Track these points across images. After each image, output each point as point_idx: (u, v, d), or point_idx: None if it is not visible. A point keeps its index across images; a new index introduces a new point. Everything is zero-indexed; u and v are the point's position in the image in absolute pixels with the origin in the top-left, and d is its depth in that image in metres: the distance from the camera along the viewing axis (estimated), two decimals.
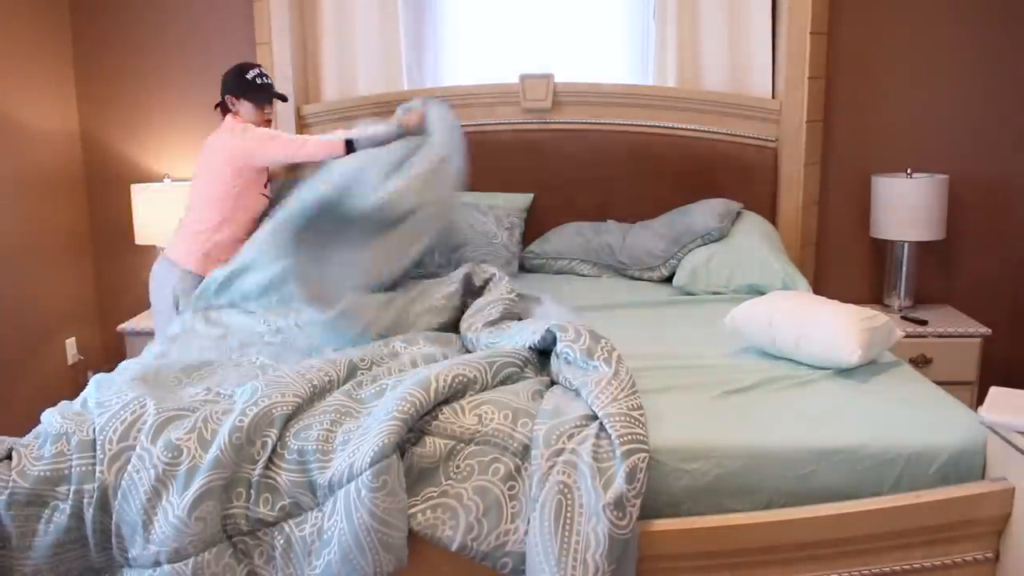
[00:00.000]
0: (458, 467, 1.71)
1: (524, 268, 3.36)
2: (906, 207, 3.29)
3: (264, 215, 3.02)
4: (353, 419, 1.79)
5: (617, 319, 2.60)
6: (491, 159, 3.53)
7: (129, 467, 1.75)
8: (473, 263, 2.77)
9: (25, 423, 1.97)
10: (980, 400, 1.90)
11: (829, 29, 3.40)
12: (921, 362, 3.17)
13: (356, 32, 3.62)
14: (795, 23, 3.32)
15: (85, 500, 1.74)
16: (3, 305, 3.30)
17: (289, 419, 1.79)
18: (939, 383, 2.12)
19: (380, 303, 2.43)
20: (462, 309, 2.49)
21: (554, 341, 2.01)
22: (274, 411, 1.78)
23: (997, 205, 3.50)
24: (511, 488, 1.68)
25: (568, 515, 1.61)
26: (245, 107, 3.01)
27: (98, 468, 1.75)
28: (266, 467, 1.73)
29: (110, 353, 3.77)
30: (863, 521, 1.69)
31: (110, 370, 2.12)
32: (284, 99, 3.12)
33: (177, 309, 2.95)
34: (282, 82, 3.54)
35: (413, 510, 1.67)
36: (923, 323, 3.26)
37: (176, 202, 3.52)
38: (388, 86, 3.63)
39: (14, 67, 3.35)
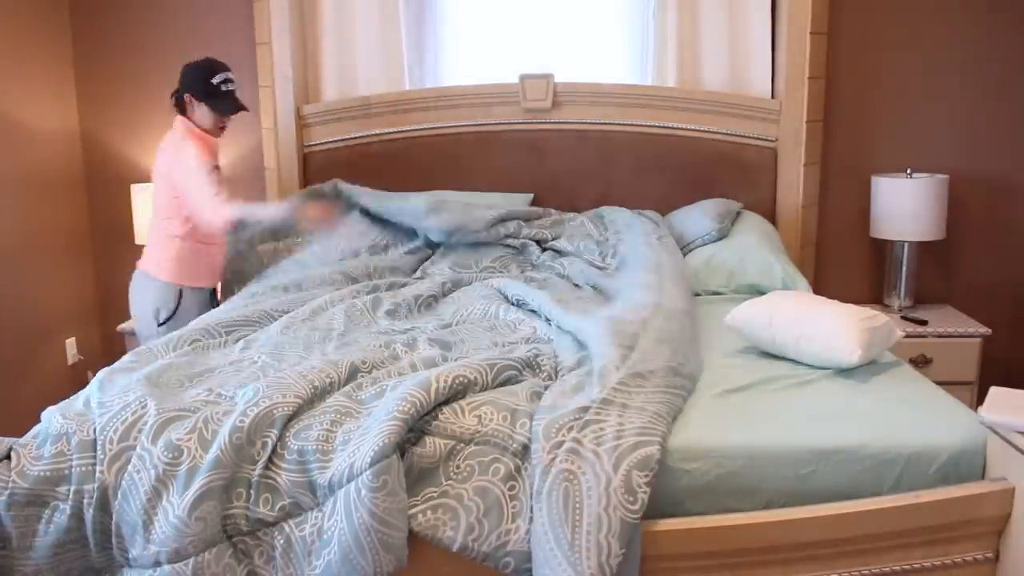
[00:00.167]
0: (458, 467, 1.71)
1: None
2: (906, 207, 3.29)
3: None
4: (353, 419, 1.79)
5: None
6: (491, 159, 3.54)
7: (129, 467, 1.75)
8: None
9: (25, 423, 1.97)
10: (980, 400, 1.90)
11: (829, 29, 3.40)
12: (921, 362, 3.17)
13: (356, 32, 3.62)
14: (795, 23, 3.32)
15: (85, 500, 1.74)
16: (3, 305, 3.30)
17: (289, 419, 1.79)
18: (939, 383, 2.12)
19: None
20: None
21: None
22: (275, 411, 1.78)
23: (997, 205, 3.50)
24: (511, 488, 1.68)
25: (577, 500, 1.61)
26: (202, 111, 2.85)
27: (98, 468, 1.76)
28: (266, 467, 1.73)
29: (110, 353, 3.77)
30: (863, 521, 1.69)
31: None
32: (246, 110, 2.94)
33: (158, 322, 2.90)
34: (282, 82, 3.54)
35: (413, 510, 1.67)
36: (923, 323, 3.26)
37: None
38: (388, 86, 3.63)
39: (14, 67, 3.35)
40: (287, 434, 1.76)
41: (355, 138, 3.60)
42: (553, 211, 3.32)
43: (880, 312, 2.67)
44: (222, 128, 2.92)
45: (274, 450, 1.74)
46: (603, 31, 3.62)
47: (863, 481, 1.74)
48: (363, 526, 1.61)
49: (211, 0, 3.62)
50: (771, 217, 3.44)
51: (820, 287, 3.43)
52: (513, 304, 2.58)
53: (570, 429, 1.71)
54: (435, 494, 1.69)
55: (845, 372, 2.11)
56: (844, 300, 2.35)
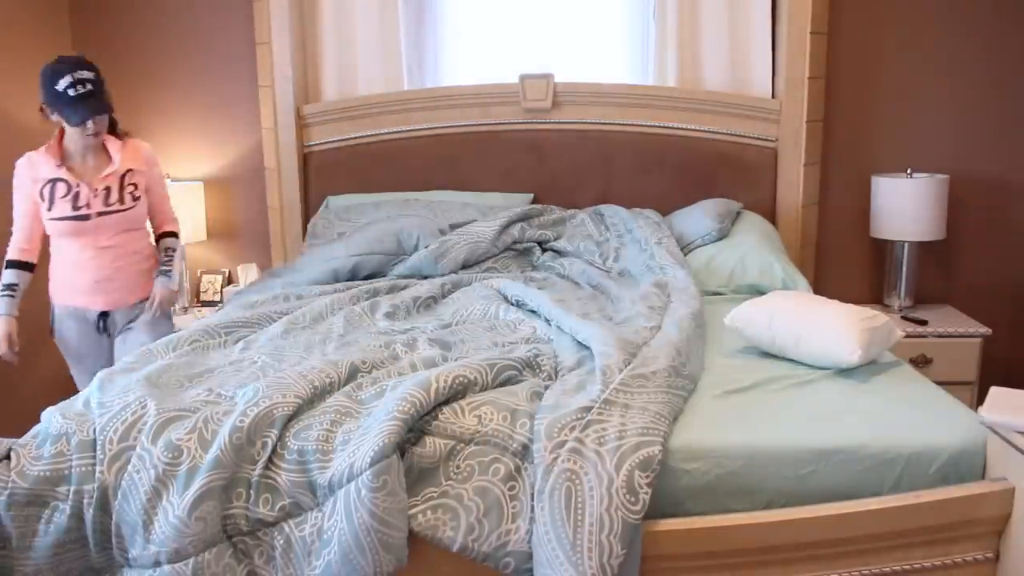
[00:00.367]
0: (458, 467, 1.71)
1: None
2: (906, 207, 3.29)
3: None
4: (353, 419, 1.79)
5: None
6: (491, 159, 3.54)
7: (129, 467, 1.75)
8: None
9: (25, 423, 1.97)
10: (980, 400, 1.90)
11: (829, 29, 3.40)
12: (921, 362, 3.17)
13: (356, 32, 3.62)
14: (795, 23, 3.32)
15: (85, 500, 1.74)
16: None
17: (289, 419, 1.79)
18: (939, 383, 2.12)
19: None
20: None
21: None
22: (275, 411, 1.78)
23: (997, 205, 3.50)
24: (511, 488, 1.68)
25: (579, 500, 1.61)
26: (59, 120, 2.59)
27: (98, 468, 1.76)
28: (266, 467, 1.73)
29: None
30: (863, 521, 1.69)
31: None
32: (108, 111, 2.61)
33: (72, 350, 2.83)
34: (282, 82, 3.54)
35: (414, 510, 1.67)
36: (923, 323, 3.26)
37: (176, 202, 3.53)
38: (388, 86, 3.63)
39: (14, 67, 3.35)
40: (287, 434, 1.76)
41: (355, 138, 3.60)
42: (555, 208, 3.31)
43: (880, 312, 2.67)
44: (96, 135, 2.64)
45: (274, 450, 1.74)
46: (603, 31, 3.62)
47: (863, 481, 1.74)
48: (363, 526, 1.61)
49: (211, 0, 3.62)
50: (771, 217, 3.44)
51: (820, 287, 3.43)
52: (513, 304, 2.58)
53: (572, 429, 1.71)
54: (435, 494, 1.69)
55: (845, 372, 2.11)
56: (844, 300, 2.35)
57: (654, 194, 3.45)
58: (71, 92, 2.50)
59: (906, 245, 3.37)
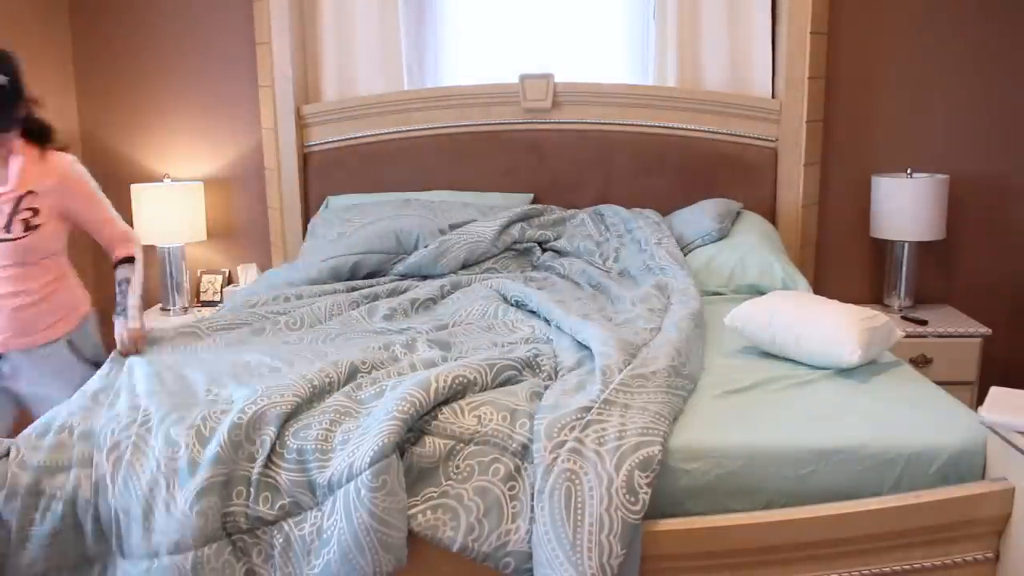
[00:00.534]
0: (458, 467, 1.71)
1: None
2: (906, 207, 3.29)
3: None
4: (353, 419, 1.79)
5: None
6: (491, 159, 3.54)
7: (129, 455, 1.76)
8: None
9: (25, 423, 1.97)
10: (980, 400, 1.90)
11: (829, 29, 3.40)
12: (921, 362, 3.17)
13: (356, 32, 3.62)
14: (795, 23, 3.32)
15: (83, 491, 1.75)
16: None
17: (288, 418, 1.79)
18: (939, 383, 2.12)
19: None
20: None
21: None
22: (273, 409, 1.78)
23: (997, 205, 3.50)
24: (511, 488, 1.68)
25: (579, 500, 1.61)
26: None
27: (97, 459, 1.77)
28: (266, 466, 1.73)
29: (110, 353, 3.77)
30: (863, 521, 1.69)
31: None
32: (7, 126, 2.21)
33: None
34: (282, 82, 3.54)
35: (413, 511, 1.67)
36: (923, 323, 3.26)
37: (176, 202, 3.54)
38: (388, 86, 3.63)
39: None
40: (286, 433, 1.76)
41: (355, 138, 3.60)
42: (555, 208, 3.31)
43: (880, 312, 2.67)
44: (8, 150, 2.26)
45: (273, 449, 1.74)
46: (603, 31, 3.62)
47: (863, 481, 1.74)
48: (362, 526, 1.61)
49: (211, 0, 3.62)
50: (771, 217, 3.44)
51: (820, 287, 3.43)
52: (512, 305, 2.58)
53: (572, 429, 1.71)
54: (435, 494, 1.69)
55: (845, 372, 2.11)
56: (844, 300, 2.35)
57: (654, 194, 3.44)
58: None
59: (906, 245, 3.37)
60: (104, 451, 1.77)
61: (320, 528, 1.68)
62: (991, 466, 1.76)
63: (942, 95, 3.46)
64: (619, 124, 3.48)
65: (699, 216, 3.18)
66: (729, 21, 3.47)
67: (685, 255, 3.02)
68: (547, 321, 2.40)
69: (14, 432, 2.03)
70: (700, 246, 3.08)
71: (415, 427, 1.74)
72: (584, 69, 3.58)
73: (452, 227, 3.11)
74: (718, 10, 3.45)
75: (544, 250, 3.15)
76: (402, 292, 2.81)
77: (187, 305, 3.65)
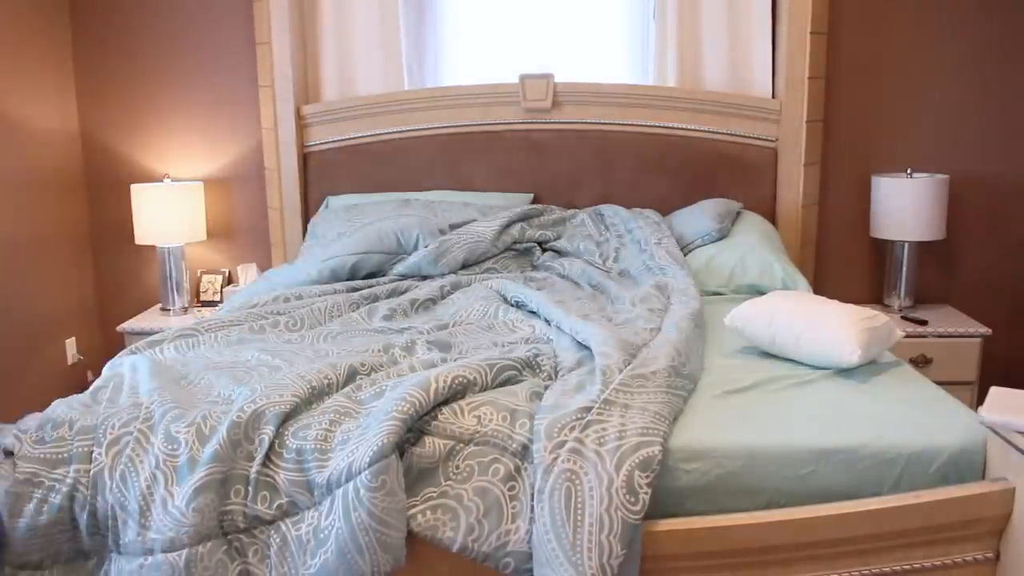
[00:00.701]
0: (458, 467, 1.71)
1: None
2: (906, 207, 3.29)
3: None
4: (352, 419, 1.79)
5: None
6: (491, 159, 3.54)
7: (128, 451, 1.76)
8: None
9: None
10: (980, 400, 1.90)
11: (829, 29, 3.40)
12: (921, 362, 3.17)
13: (356, 32, 3.62)
14: (795, 23, 3.32)
15: (80, 485, 1.76)
16: (3, 305, 3.30)
17: (287, 418, 1.79)
18: (939, 383, 2.12)
19: None
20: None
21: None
22: (272, 409, 1.78)
23: (997, 205, 3.50)
24: (511, 488, 1.68)
25: (579, 500, 1.61)
26: None
27: (96, 453, 1.77)
28: (264, 465, 1.73)
29: (110, 353, 3.75)
30: (863, 521, 1.69)
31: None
32: None
33: None
34: (282, 82, 3.54)
35: (413, 511, 1.67)
36: (923, 323, 3.26)
37: (176, 202, 3.54)
38: (388, 86, 3.63)
39: (14, 67, 3.35)
40: (285, 433, 1.76)
41: (355, 138, 3.60)
42: (555, 208, 3.31)
43: (880, 312, 2.67)
44: None
45: (272, 448, 1.74)
46: (603, 31, 3.62)
47: (863, 481, 1.74)
48: (361, 526, 1.61)
49: (210, 0, 3.62)
50: (771, 217, 3.44)
51: (820, 287, 3.43)
52: (512, 305, 2.58)
53: (572, 429, 1.71)
54: (434, 494, 1.69)
55: (845, 372, 2.11)
56: (844, 300, 2.35)
57: (654, 194, 3.45)
58: None
59: (906, 245, 3.37)
60: (104, 446, 1.78)
61: (317, 528, 1.68)
62: (991, 466, 1.76)
63: (942, 95, 3.46)
64: (619, 124, 3.48)
65: (699, 216, 3.18)
66: (729, 21, 3.47)
67: (685, 255, 3.02)
68: (547, 321, 2.40)
69: None
70: (700, 246, 3.08)
71: (415, 427, 1.74)
72: (584, 69, 3.58)
73: (452, 227, 3.11)
74: (718, 10, 3.45)
75: (544, 250, 3.15)
76: (402, 292, 2.81)
77: (187, 305, 3.65)
